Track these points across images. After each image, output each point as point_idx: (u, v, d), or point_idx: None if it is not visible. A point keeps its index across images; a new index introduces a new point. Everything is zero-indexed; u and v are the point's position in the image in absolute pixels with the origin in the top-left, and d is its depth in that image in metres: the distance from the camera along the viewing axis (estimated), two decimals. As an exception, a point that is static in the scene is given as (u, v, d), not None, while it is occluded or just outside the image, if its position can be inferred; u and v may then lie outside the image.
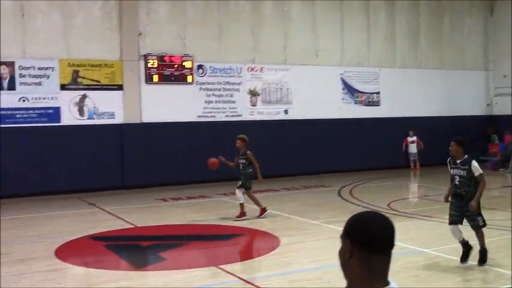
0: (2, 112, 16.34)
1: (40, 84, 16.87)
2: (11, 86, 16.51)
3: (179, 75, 18.71)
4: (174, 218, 12.76)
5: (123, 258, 9.40)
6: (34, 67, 16.79)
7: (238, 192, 12.01)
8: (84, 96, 17.39)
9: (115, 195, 16.38)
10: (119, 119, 17.82)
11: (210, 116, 19.31)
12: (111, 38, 17.76)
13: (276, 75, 20.55)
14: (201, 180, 18.00)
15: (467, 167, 7.69)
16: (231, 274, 7.86)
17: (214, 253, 9.52)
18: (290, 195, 15.95)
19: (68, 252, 9.57)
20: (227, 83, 19.65)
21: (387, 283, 2.10)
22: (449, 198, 8.04)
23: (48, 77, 16.97)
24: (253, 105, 20.17)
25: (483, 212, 7.87)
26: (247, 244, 10.33)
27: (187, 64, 18.83)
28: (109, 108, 17.73)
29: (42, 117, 16.87)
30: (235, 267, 8.31)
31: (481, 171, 7.72)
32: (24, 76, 16.68)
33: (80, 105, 17.35)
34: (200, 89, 19.16)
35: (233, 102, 19.74)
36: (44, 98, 16.91)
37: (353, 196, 15.23)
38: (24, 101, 16.64)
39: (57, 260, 8.99)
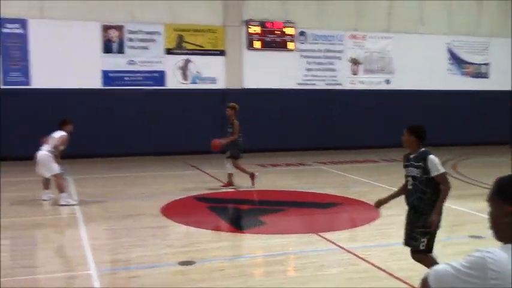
0: (111, 74, 17.15)
1: (147, 48, 17.48)
2: (120, 49, 17.24)
3: (280, 42, 18.73)
4: (273, 184, 12.94)
5: (224, 219, 9.69)
6: (141, 31, 17.39)
7: (227, 163, 11.93)
8: (187, 61, 17.85)
9: (216, 158, 16.78)
10: (220, 84, 18.17)
11: (310, 84, 19.23)
12: (215, 3, 18.02)
13: (379, 44, 20.07)
14: (299, 147, 18.10)
15: (421, 163, 5.46)
16: (330, 242, 7.88)
17: (313, 220, 9.58)
18: (391, 167, 15.64)
19: (173, 210, 9.98)
20: (328, 50, 19.43)
21: None
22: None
23: (154, 41, 17.53)
24: (354, 74, 19.85)
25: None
26: (347, 213, 10.29)
27: (289, 31, 18.78)
28: (211, 73, 18.11)
29: (148, 80, 17.53)
30: (335, 235, 8.31)
31: (443, 170, 5.48)
32: (132, 40, 17.34)
33: (184, 69, 17.84)
34: (301, 56, 19.09)
35: (334, 70, 19.53)
36: (150, 62, 17.54)
37: (456, 171, 14.73)
38: (132, 64, 17.34)
39: (163, 217, 9.43)
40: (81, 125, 16.41)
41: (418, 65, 20.04)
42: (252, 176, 12.10)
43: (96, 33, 16.96)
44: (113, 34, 17.22)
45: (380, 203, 6.03)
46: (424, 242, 5.53)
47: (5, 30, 16.22)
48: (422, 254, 5.60)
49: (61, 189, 10.39)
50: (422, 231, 5.51)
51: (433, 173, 5.41)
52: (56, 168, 10.42)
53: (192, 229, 8.84)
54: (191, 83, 17.94)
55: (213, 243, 7.99)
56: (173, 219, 9.32)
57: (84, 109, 16.35)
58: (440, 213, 5.45)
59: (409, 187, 5.61)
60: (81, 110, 16.27)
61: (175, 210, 10.07)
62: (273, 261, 7.22)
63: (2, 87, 16.22)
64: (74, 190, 11.80)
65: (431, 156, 5.45)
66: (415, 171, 5.52)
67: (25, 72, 16.45)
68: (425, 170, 5.42)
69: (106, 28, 17.10)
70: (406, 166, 5.69)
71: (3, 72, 16.28)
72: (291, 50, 18.86)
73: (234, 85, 18.20)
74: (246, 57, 18.41)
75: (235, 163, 12.04)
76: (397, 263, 7.05)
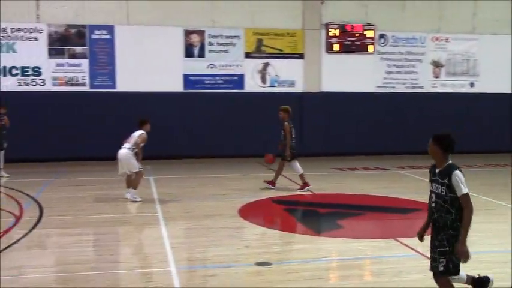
0: (193, 78, 17.55)
1: (227, 52, 17.76)
2: (201, 54, 17.62)
3: (360, 45, 18.50)
4: (351, 187, 12.79)
5: (301, 222, 9.67)
6: (222, 36, 17.69)
7: (294, 165, 11.92)
8: (266, 64, 18.00)
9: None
10: (298, 88, 18.18)
11: (390, 87, 18.87)
12: (294, 7, 18.06)
13: (463, 46, 19.42)
14: (377, 151, 17.81)
15: (446, 180, 4.83)
16: (409, 247, 7.69)
17: (392, 225, 9.39)
18: (472, 173, 15.08)
19: (250, 211, 10.06)
20: (409, 53, 19.01)
21: None
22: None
23: (234, 45, 17.79)
24: (436, 77, 19.30)
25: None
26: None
27: (369, 33, 18.51)
28: (290, 76, 18.17)
29: (228, 83, 17.80)
30: (414, 241, 8.05)
31: (466, 190, 4.78)
32: (212, 44, 17.68)
33: (263, 73, 18.00)
34: (381, 58, 18.78)
35: (415, 73, 19.09)
36: (230, 66, 17.81)
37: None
38: (212, 67, 17.68)
39: (240, 218, 9.53)
40: (162, 127, 16.90)
41: (505, 68, 19.22)
42: (271, 183, 12.19)
43: (178, 38, 17.42)
44: (195, 39, 17.62)
45: (421, 236, 5.33)
46: (443, 262, 4.90)
47: (93, 37, 16.95)
48: (441, 276, 4.98)
49: (135, 184, 10.92)
50: (440, 250, 4.93)
51: (458, 193, 4.79)
52: (136, 165, 10.88)
53: (269, 231, 8.88)
54: (269, 86, 18.06)
55: (289, 245, 8.00)
56: (250, 221, 9.39)
57: (165, 112, 16.82)
58: (465, 241, 4.84)
59: (432, 204, 5.03)
60: (163, 112, 16.74)
61: (252, 212, 10.15)
62: (349, 265, 7.13)
63: (90, 90, 16.94)
64: (154, 190, 12.15)
65: (457, 172, 4.81)
66: (439, 188, 4.92)
67: (111, 76, 17.12)
68: (450, 188, 4.82)
69: (188, 33, 17.52)
70: (431, 181, 5.07)
71: (91, 77, 17.01)
72: (371, 53, 18.58)
73: (312, 88, 18.15)
74: (325, 60, 18.32)
75: (281, 163, 12.16)
76: (480, 272, 6.78)
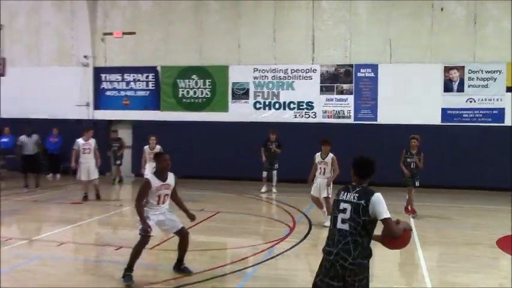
0: (450, 112, 17.03)
1: (486, 87, 16.86)
2: (460, 88, 17.05)
3: None
4: None
5: None
6: (482, 70, 16.89)
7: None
8: (529, 98, 16.59)
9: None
10: None
11: None
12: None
13: None
14: None
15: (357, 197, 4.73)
16: None
17: None
18: None
19: (509, 243, 9.39)
20: None
21: None
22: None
23: (494, 79, 16.81)
24: None
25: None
26: None
27: None
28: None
29: (486, 117, 16.83)
30: None
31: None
32: (472, 79, 16.96)
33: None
34: None
35: None
36: (490, 100, 16.84)
37: None
38: (470, 102, 16.94)
39: (498, 249, 8.98)
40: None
41: None
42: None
43: (438, 74, 17.11)
44: (454, 74, 17.13)
45: None
46: None
47: (359, 75, 17.67)
48: None
49: (328, 211, 10.88)
50: None
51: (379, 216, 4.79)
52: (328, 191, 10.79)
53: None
54: (534, 120, 16.56)
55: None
56: (510, 253, 8.77)
57: (423, 143, 16.55)
58: None
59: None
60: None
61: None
62: None
63: (354, 122, 17.59)
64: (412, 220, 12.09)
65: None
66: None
67: (373, 109, 17.57)
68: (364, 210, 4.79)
69: (447, 69, 17.12)
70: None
71: (355, 110, 17.70)
72: None
73: None
74: None
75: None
76: None
